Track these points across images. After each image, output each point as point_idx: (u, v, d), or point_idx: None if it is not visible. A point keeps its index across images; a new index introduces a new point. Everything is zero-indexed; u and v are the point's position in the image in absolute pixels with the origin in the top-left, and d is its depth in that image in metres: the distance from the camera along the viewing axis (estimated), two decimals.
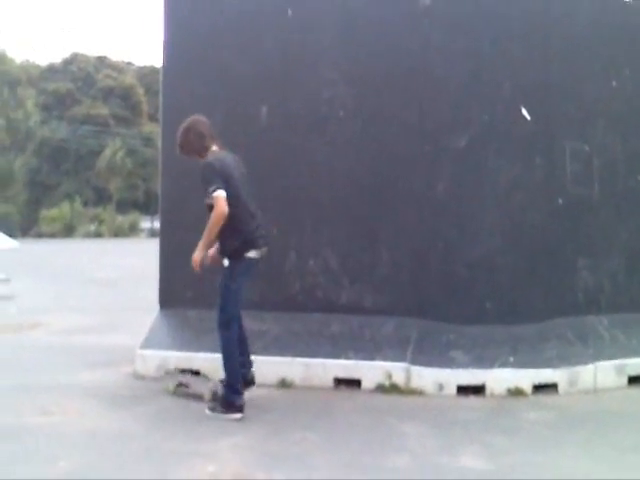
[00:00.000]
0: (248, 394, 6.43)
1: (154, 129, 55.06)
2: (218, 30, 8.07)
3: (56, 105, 64.75)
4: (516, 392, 6.88)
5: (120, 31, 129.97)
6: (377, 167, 7.72)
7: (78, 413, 6.34)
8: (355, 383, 7.15)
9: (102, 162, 59.58)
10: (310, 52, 7.88)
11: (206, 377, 7.10)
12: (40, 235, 53.89)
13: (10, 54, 69.77)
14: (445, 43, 7.58)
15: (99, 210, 61.83)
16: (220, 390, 6.37)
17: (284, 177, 7.86)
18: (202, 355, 7.27)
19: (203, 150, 6.41)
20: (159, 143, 8.53)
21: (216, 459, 5.19)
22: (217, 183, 6.15)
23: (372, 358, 7.22)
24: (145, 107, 67.63)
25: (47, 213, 59.47)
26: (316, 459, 5.19)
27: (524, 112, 7.46)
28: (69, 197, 59.73)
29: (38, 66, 71.12)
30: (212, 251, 6.48)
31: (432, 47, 7.61)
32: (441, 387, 6.98)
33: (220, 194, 6.13)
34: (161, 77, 8.35)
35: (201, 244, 6.29)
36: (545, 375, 7.00)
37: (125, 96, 67.37)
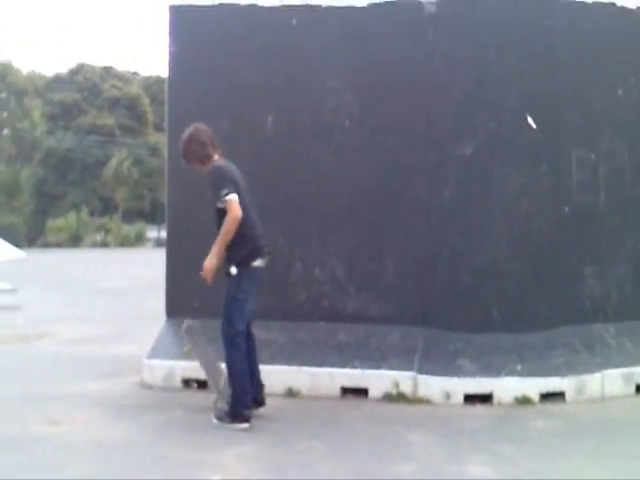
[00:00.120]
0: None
1: (160, 139, 55.05)
2: (223, 40, 8.10)
3: (62, 115, 64.86)
4: (523, 400, 6.86)
5: (125, 41, 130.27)
6: (383, 175, 7.73)
7: (85, 423, 6.34)
8: (362, 392, 7.14)
9: (108, 172, 59.61)
10: (315, 61, 7.90)
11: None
12: (46, 245, 53.88)
13: (16, 65, 69.96)
14: (450, 51, 7.59)
15: (105, 220, 61.80)
16: (223, 402, 6.37)
17: (290, 186, 7.87)
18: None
19: (206, 158, 6.41)
20: (165, 153, 8.55)
21: (222, 469, 5.18)
22: (229, 187, 6.15)
23: (379, 367, 7.21)
24: (151, 117, 67.68)
25: (53, 223, 59.47)
26: (323, 468, 5.18)
27: (530, 120, 7.46)
28: (75, 207, 59.75)
29: (44, 76, 71.21)
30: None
31: (437, 55, 7.62)
32: (448, 396, 6.96)
33: (233, 197, 6.13)
34: (167, 87, 8.37)
35: (215, 250, 6.20)
36: (552, 383, 6.98)
37: (131, 106, 67.44)
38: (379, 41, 7.75)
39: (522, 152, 7.52)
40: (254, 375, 6.50)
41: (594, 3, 7.85)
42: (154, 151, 62.22)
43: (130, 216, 62.60)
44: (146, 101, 67.88)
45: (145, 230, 61.36)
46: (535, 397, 6.90)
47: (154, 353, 7.78)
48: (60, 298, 16.98)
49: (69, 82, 66.93)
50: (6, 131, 63.23)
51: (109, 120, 65.05)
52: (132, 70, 77.22)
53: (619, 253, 7.94)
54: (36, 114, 61.68)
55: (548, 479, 5.04)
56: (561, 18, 7.66)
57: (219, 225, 6.21)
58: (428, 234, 7.61)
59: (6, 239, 19.03)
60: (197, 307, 7.79)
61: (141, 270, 24.25)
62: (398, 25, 7.72)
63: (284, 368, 7.28)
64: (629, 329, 7.72)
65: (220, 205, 6.17)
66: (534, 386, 6.94)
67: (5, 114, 63.42)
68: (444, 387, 6.99)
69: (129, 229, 61.00)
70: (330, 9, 7.88)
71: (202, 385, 7.34)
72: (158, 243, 50.14)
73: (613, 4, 7.93)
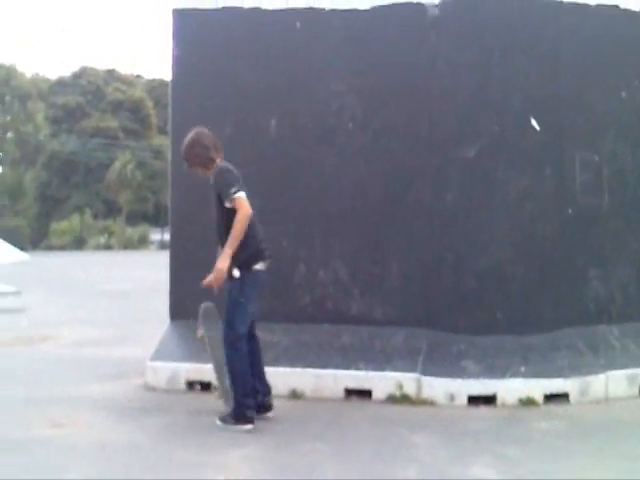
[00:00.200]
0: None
1: (163, 142, 55.16)
2: (227, 43, 8.11)
3: (66, 118, 64.97)
4: (527, 402, 6.86)
5: (129, 44, 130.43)
6: (386, 178, 7.73)
7: (88, 425, 6.35)
8: (366, 394, 7.14)
9: (112, 175, 59.68)
10: (318, 64, 7.92)
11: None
12: (50, 248, 53.96)
13: (20, 68, 70.05)
14: (453, 54, 7.60)
15: (109, 223, 61.93)
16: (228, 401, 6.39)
17: (293, 189, 7.89)
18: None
19: (209, 162, 6.40)
20: (169, 156, 8.57)
21: (226, 470, 5.19)
22: (237, 185, 6.17)
23: (383, 369, 7.22)
24: (154, 120, 67.78)
25: (57, 226, 59.60)
26: (326, 470, 5.19)
27: (533, 123, 7.46)
28: (79, 210, 59.85)
29: (48, 80, 71.35)
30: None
31: (440, 58, 7.63)
32: (452, 397, 6.97)
33: (242, 195, 6.15)
34: (170, 90, 8.39)
35: (227, 251, 6.13)
36: (556, 385, 6.98)
37: (134, 109, 67.52)
38: (382, 44, 7.76)
39: (525, 155, 7.53)
40: (260, 378, 6.49)
41: (597, 6, 7.85)
42: (157, 154, 62.33)
43: (133, 219, 62.70)
44: (150, 104, 67.97)
45: (148, 233, 61.49)
46: (539, 398, 6.90)
47: (158, 355, 7.80)
48: (64, 301, 17.01)
49: (72, 85, 67.05)
50: (10, 134, 63.35)
51: (112, 123, 65.15)
52: (135, 73, 77.58)
53: (623, 255, 7.94)
54: (40, 117, 61.79)
55: None
56: (564, 21, 7.66)
57: (227, 227, 6.19)
58: (432, 237, 7.61)
59: (10, 242, 19.07)
60: None
61: (145, 273, 24.28)
62: (401, 28, 7.73)
63: (288, 370, 7.29)
64: (633, 330, 7.72)
65: (228, 205, 6.16)
66: (538, 387, 6.93)
67: (9, 117, 63.54)
68: (448, 389, 6.99)
69: (132, 232, 61.13)
70: (333, 12, 7.89)
71: (206, 387, 7.35)
72: (162, 246, 50.21)
73: (616, 6, 7.93)
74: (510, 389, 6.92)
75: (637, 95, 8.05)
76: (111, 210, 62.81)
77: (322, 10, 7.91)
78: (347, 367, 7.28)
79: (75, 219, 59.66)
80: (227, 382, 6.48)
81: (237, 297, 6.22)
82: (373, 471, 5.17)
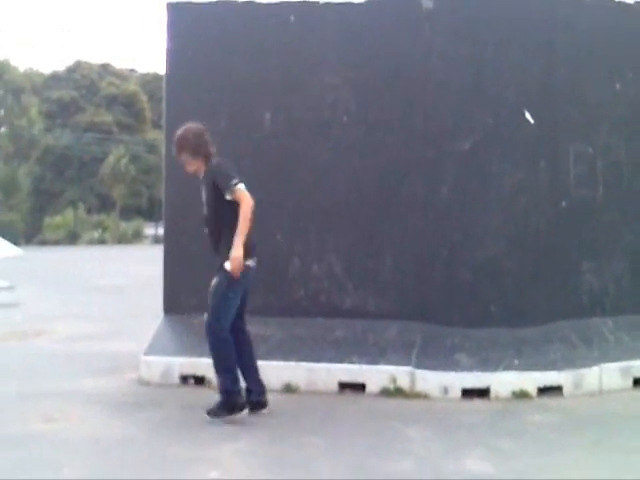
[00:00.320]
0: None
1: (158, 136, 55.11)
2: (221, 37, 8.10)
3: (60, 113, 64.87)
4: (521, 395, 6.87)
5: (123, 38, 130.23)
6: (381, 172, 7.73)
7: (81, 420, 6.34)
8: (360, 387, 7.14)
9: (106, 169, 59.64)
10: (313, 57, 7.90)
11: None
12: (44, 242, 53.94)
13: (14, 62, 69.94)
14: (448, 47, 7.59)
15: (103, 217, 61.94)
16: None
17: (288, 182, 7.88)
18: (206, 361, 7.21)
19: (209, 155, 6.41)
20: (163, 150, 8.55)
21: (220, 464, 5.18)
22: (237, 177, 6.18)
23: (376, 362, 7.22)
24: (148, 114, 67.74)
25: (51, 220, 59.58)
26: (320, 464, 5.18)
27: (527, 116, 7.46)
28: (73, 204, 59.85)
29: (42, 74, 71.24)
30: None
31: (435, 51, 7.62)
32: (446, 390, 6.97)
33: (242, 186, 6.18)
34: (164, 84, 8.38)
35: (238, 241, 6.10)
36: (550, 378, 6.99)
37: (128, 103, 67.45)
38: (377, 37, 7.75)
39: (520, 148, 7.53)
40: (253, 376, 6.48)
41: None
42: (152, 148, 62.29)
43: (127, 213, 62.70)
44: (144, 98, 67.92)
45: (142, 227, 61.50)
46: (533, 391, 6.91)
47: (151, 350, 7.78)
48: (58, 295, 17.00)
49: (66, 80, 66.94)
50: (3, 129, 63.22)
51: (107, 117, 65.09)
52: (130, 67, 77.53)
53: (617, 247, 7.95)
54: (33, 112, 61.70)
55: (545, 473, 5.04)
56: (558, 14, 7.66)
57: (223, 221, 6.20)
58: (426, 230, 7.61)
59: (4, 237, 19.05)
60: (195, 304, 7.77)
61: (138, 267, 24.26)
62: (396, 21, 7.72)
63: (282, 364, 7.29)
64: (627, 323, 7.73)
65: (229, 197, 6.17)
66: (532, 380, 6.94)
67: (2, 112, 63.38)
68: (442, 382, 6.99)
69: (126, 226, 61.15)
70: (328, 5, 7.87)
71: (199, 381, 7.34)
72: (156, 240, 50.21)
73: None
74: (504, 382, 6.93)
75: (631, 88, 8.05)
76: (105, 204, 62.78)
77: (316, 3, 7.89)
78: (341, 361, 7.28)
79: (69, 214, 59.65)
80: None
81: (225, 290, 6.21)
82: (367, 464, 5.17)
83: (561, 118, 7.69)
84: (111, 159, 59.74)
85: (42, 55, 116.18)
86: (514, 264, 7.48)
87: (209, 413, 6.22)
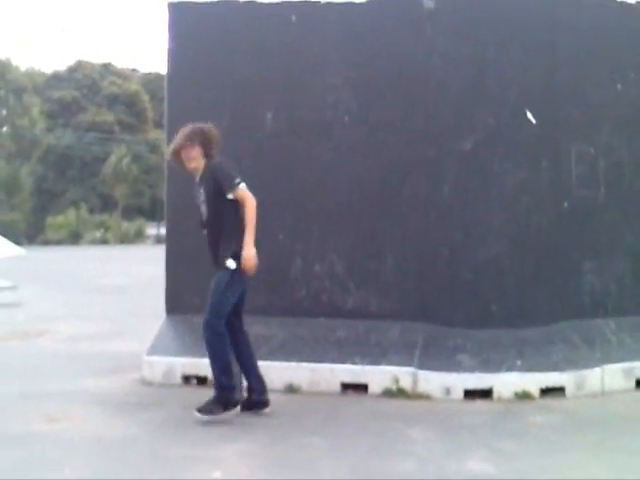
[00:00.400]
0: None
1: (159, 135, 55.09)
2: (223, 36, 8.09)
3: (61, 112, 64.90)
4: (523, 396, 6.86)
5: (125, 38, 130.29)
6: (382, 172, 7.72)
7: (84, 420, 6.34)
8: (362, 388, 7.14)
9: (108, 169, 59.67)
10: (314, 57, 7.90)
11: None
12: (46, 242, 53.97)
13: (15, 62, 69.96)
14: (449, 47, 7.58)
15: (105, 217, 61.95)
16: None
17: (289, 182, 7.87)
18: (208, 361, 7.26)
19: (212, 156, 6.41)
20: (165, 149, 8.54)
21: (222, 465, 5.17)
22: (239, 177, 6.20)
23: (379, 363, 7.21)
24: (150, 114, 67.74)
25: (53, 220, 59.59)
26: (322, 464, 5.18)
27: (529, 116, 7.45)
28: (75, 204, 59.85)
29: (43, 74, 71.29)
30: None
31: (436, 51, 7.61)
32: (448, 391, 6.96)
33: (245, 186, 6.22)
34: (166, 84, 8.37)
35: (249, 240, 6.16)
36: (552, 379, 6.98)
37: (130, 103, 67.48)
38: (378, 37, 7.74)
39: (521, 148, 7.52)
40: (254, 375, 6.49)
41: None
42: (153, 148, 62.28)
43: (129, 213, 62.72)
44: (145, 98, 67.96)
45: (145, 227, 61.50)
46: (535, 392, 6.90)
47: (154, 350, 7.79)
48: (60, 295, 17.01)
49: (68, 79, 66.99)
50: (5, 129, 63.21)
51: (108, 117, 65.11)
52: (131, 67, 77.60)
53: (619, 248, 7.94)
54: (35, 111, 61.70)
55: (548, 474, 5.03)
56: (560, 13, 7.66)
57: (225, 221, 6.23)
58: (427, 230, 7.60)
59: (6, 236, 19.06)
60: (197, 304, 7.75)
61: (141, 267, 24.28)
62: (397, 21, 7.71)
63: (284, 364, 7.28)
64: (629, 324, 7.72)
65: (231, 196, 6.19)
66: (534, 381, 6.94)
67: (4, 112, 63.39)
68: (444, 383, 6.99)
69: (129, 226, 61.16)
70: (329, 5, 7.87)
71: (202, 381, 7.34)
72: (158, 240, 50.21)
73: None
74: (506, 383, 6.93)
75: (633, 88, 8.04)
76: (107, 204, 62.80)
77: (318, 3, 7.89)
78: (343, 361, 7.27)
79: (71, 213, 59.67)
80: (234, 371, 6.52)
81: (225, 287, 6.23)
82: (369, 465, 5.17)
83: (563, 118, 7.69)
84: (113, 159, 59.76)
85: (43, 55, 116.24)
86: (516, 264, 7.47)
87: (200, 411, 6.16)
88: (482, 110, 7.50)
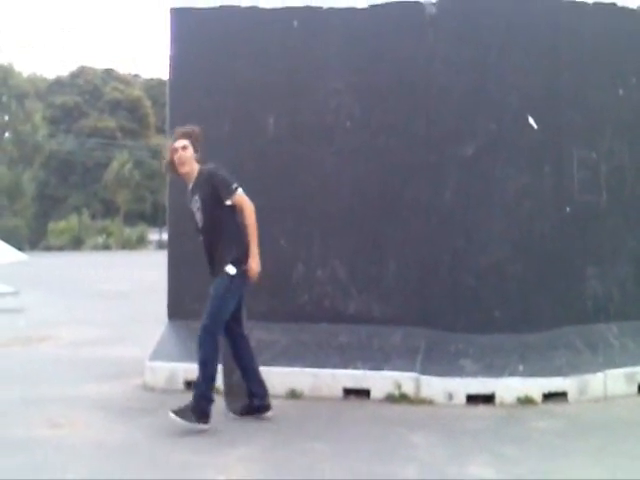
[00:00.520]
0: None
1: (161, 141, 55.11)
2: (225, 42, 8.10)
3: (64, 118, 64.95)
4: (526, 401, 6.85)
5: (127, 44, 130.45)
6: (384, 177, 7.72)
7: (86, 425, 6.34)
8: (364, 393, 7.13)
9: (110, 174, 59.70)
10: (316, 62, 7.91)
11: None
12: (48, 248, 53.96)
13: (17, 68, 70.02)
14: (451, 52, 7.58)
15: (107, 222, 61.92)
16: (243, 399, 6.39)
17: (291, 187, 7.87)
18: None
19: (203, 160, 6.39)
20: (166, 155, 8.53)
21: (225, 470, 5.17)
22: (235, 182, 6.20)
23: (381, 368, 7.21)
24: (152, 119, 67.77)
25: (55, 226, 59.60)
26: (325, 469, 5.17)
27: (531, 121, 7.45)
28: (77, 210, 59.85)
29: (45, 79, 71.35)
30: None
31: (438, 56, 7.62)
32: (450, 396, 6.96)
33: (242, 191, 6.23)
34: (168, 89, 8.38)
35: (254, 250, 6.23)
36: (555, 383, 6.97)
37: (132, 108, 67.53)
38: (380, 42, 7.75)
39: (523, 153, 7.52)
40: (256, 380, 6.50)
41: (595, 3, 7.85)
42: (155, 153, 62.27)
43: (131, 219, 62.70)
44: (147, 103, 68.00)
45: (147, 232, 61.47)
46: (537, 397, 6.90)
47: (156, 355, 7.78)
48: (62, 301, 17.01)
49: (70, 85, 67.05)
50: (7, 134, 63.25)
51: (110, 123, 65.16)
52: (133, 72, 77.56)
53: (621, 253, 7.94)
54: (37, 117, 61.67)
55: (550, 479, 5.03)
56: (562, 19, 7.66)
57: (222, 228, 6.22)
58: (429, 235, 7.60)
59: (8, 242, 19.09)
60: (199, 309, 7.73)
61: (143, 273, 24.28)
62: (399, 26, 7.72)
63: (286, 369, 7.28)
64: (632, 329, 7.71)
65: (229, 202, 6.19)
66: (536, 386, 6.93)
67: (6, 117, 63.44)
68: (446, 388, 6.98)
69: (131, 232, 61.13)
70: (331, 10, 7.88)
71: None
72: (160, 245, 50.17)
73: (614, 4, 7.93)
74: (508, 388, 6.92)
75: (634, 92, 8.04)
76: (109, 210, 62.80)
77: (319, 8, 7.90)
78: (345, 366, 7.27)
79: (73, 219, 59.67)
80: (235, 378, 6.50)
81: (224, 293, 6.23)
82: (372, 470, 5.16)
83: (564, 123, 7.69)
84: (115, 164, 59.78)
85: (46, 60, 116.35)
86: (518, 269, 7.46)
87: (176, 413, 6.06)
88: (484, 115, 7.50)
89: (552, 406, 6.80)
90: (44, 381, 8.10)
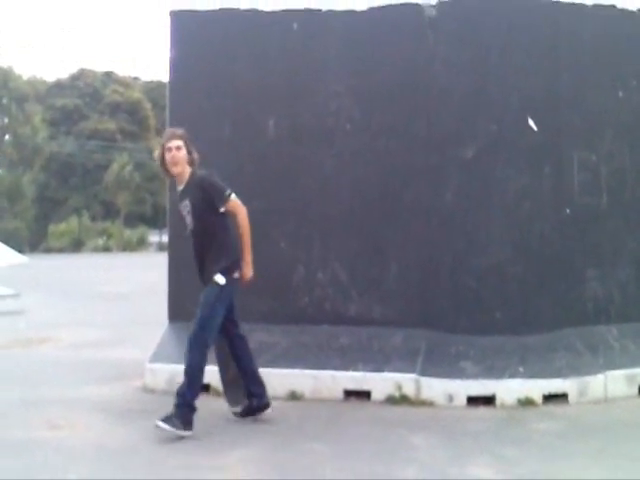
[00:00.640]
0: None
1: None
2: (224, 44, 8.10)
3: (64, 121, 64.94)
4: (526, 402, 6.85)
5: (127, 46, 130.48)
6: (385, 179, 7.73)
7: (86, 427, 6.35)
8: (365, 395, 7.13)
9: (110, 176, 59.70)
10: (316, 65, 7.91)
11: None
12: (49, 250, 53.99)
13: (17, 70, 70.02)
14: (451, 54, 7.59)
15: (107, 224, 61.94)
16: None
17: (291, 190, 7.88)
18: (211, 368, 7.23)
19: (194, 162, 6.37)
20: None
21: (225, 471, 5.18)
22: (228, 188, 6.20)
23: (381, 370, 7.21)
24: (152, 121, 67.72)
25: (55, 228, 59.63)
26: (325, 470, 5.17)
27: (531, 123, 7.45)
28: (77, 212, 59.87)
29: (45, 82, 71.30)
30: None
31: (438, 58, 7.62)
32: (451, 398, 6.96)
33: (235, 196, 6.23)
34: (168, 92, 8.38)
35: (248, 257, 6.27)
36: (555, 385, 6.97)
37: (132, 111, 67.51)
38: (380, 45, 7.76)
39: (523, 154, 7.52)
40: (254, 379, 6.50)
41: (595, 6, 7.85)
42: None
43: (132, 220, 62.70)
44: (147, 106, 67.97)
45: (147, 234, 61.49)
46: (538, 399, 6.90)
47: (156, 357, 7.79)
48: (62, 303, 17.02)
49: (70, 87, 67.03)
50: (7, 137, 63.25)
51: (110, 125, 65.14)
52: (133, 75, 77.68)
53: (621, 254, 7.94)
54: (37, 119, 61.70)
55: None
56: (562, 21, 7.66)
57: (215, 236, 6.24)
58: (430, 237, 7.60)
59: (8, 244, 19.09)
60: None
61: (143, 274, 24.29)
62: (398, 29, 7.73)
63: (287, 371, 7.28)
64: (632, 330, 7.71)
65: (223, 208, 6.18)
66: (537, 388, 6.93)
67: (6, 120, 63.46)
68: (447, 389, 6.98)
69: (131, 233, 61.15)
70: (331, 13, 7.88)
71: (204, 389, 7.32)
72: (160, 247, 50.18)
73: (614, 6, 7.93)
74: (509, 389, 6.92)
75: (634, 94, 8.05)
76: (109, 212, 62.81)
77: (319, 11, 7.91)
78: (346, 368, 7.27)
79: (73, 221, 59.71)
80: (231, 372, 6.52)
81: (214, 302, 6.20)
82: (372, 471, 5.16)
83: (565, 125, 7.69)
84: (115, 167, 59.79)
85: (45, 63, 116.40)
86: (518, 271, 7.46)
87: (164, 421, 5.99)
88: (484, 117, 7.51)
89: (552, 408, 6.80)
90: (44, 383, 8.10)
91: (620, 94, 7.98)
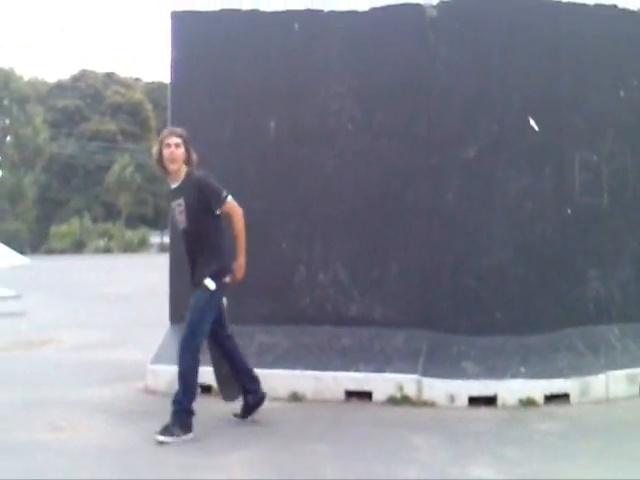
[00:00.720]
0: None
1: None
2: (226, 45, 8.10)
3: (65, 122, 64.96)
4: (528, 402, 6.85)
5: (128, 47, 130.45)
6: (386, 179, 7.72)
7: (88, 428, 6.34)
8: (366, 395, 7.13)
9: (111, 178, 59.70)
10: (317, 65, 7.91)
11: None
12: (50, 251, 54.00)
13: (18, 71, 70.03)
14: (452, 55, 7.59)
15: (108, 225, 61.92)
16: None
17: (293, 190, 7.87)
18: (210, 369, 7.27)
19: (192, 162, 6.35)
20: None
21: (226, 473, 5.18)
22: (225, 190, 6.20)
23: (383, 370, 7.21)
24: (153, 122, 67.69)
25: (57, 229, 59.61)
26: (327, 471, 5.17)
27: (532, 123, 7.45)
28: (78, 213, 59.86)
29: (46, 83, 71.32)
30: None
31: (439, 59, 7.62)
32: (452, 398, 6.96)
33: (231, 198, 6.22)
34: (169, 93, 8.38)
35: (242, 260, 6.25)
36: (557, 385, 6.97)
37: (133, 112, 67.52)
38: (381, 45, 7.76)
39: (524, 155, 7.52)
40: (246, 374, 6.51)
41: (596, 5, 7.85)
42: None
43: (133, 222, 62.67)
44: (149, 107, 67.98)
45: (148, 235, 61.47)
46: (539, 399, 6.90)
47: (158, 359, 7.79)
48: (64, 304, 17.02)
49: (71, 88, 67.05)
50: (9, 138, 63.27)
51: (112, 126, 65.16)
52: (135, 76, 77.48)
53: (623, 255, 7.93)
54: (38, 121, 61.69)
55: None
56: (562, 21, 7.66)
57: (209, 238, 6.23)
58: (431, 237, 7.60)
59: (10, 245, 19.10)
60: None
61: (144, 276, 24.29)
62: (400, 29, 7.72)
63: (288, 372, 7.28)
64: (633, 330, 7.71)
65: (219, 211, 6.18)
66: (538, 388, 6.93)
67: (8, 121, 63.48)
68: (448, 390, 6.98)
69: (132, 235, 61.12)
70: (332, 14, 7.88)
71: (206, 390, 7.32)
72: (161, 248, 50.22)
73: (615, 6, 7.93)
74: (510, 390, 6.92)
75: (635, 94, 8.05)
76: (110, 213, 62.79)
77: (320, 12, 7.91)
78: (347, 369, 7.27)
79: (75, 222, 59.68)
80: (224, 370, 6.52)
81: (204, 306, 6.18)
82: (374, 472, 5.16)
83: (566, 125, 7.69)
84: (116, 168, 59.78)
85: (47, 64, 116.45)
86: (520, 271, 7.46)
87: (162, 434, 5.94)
88: (485, 117, 7.51)
89: (554, 408, 6.80)
90: (46, 384, 8.10)
91: (621, 94, 7.98)
